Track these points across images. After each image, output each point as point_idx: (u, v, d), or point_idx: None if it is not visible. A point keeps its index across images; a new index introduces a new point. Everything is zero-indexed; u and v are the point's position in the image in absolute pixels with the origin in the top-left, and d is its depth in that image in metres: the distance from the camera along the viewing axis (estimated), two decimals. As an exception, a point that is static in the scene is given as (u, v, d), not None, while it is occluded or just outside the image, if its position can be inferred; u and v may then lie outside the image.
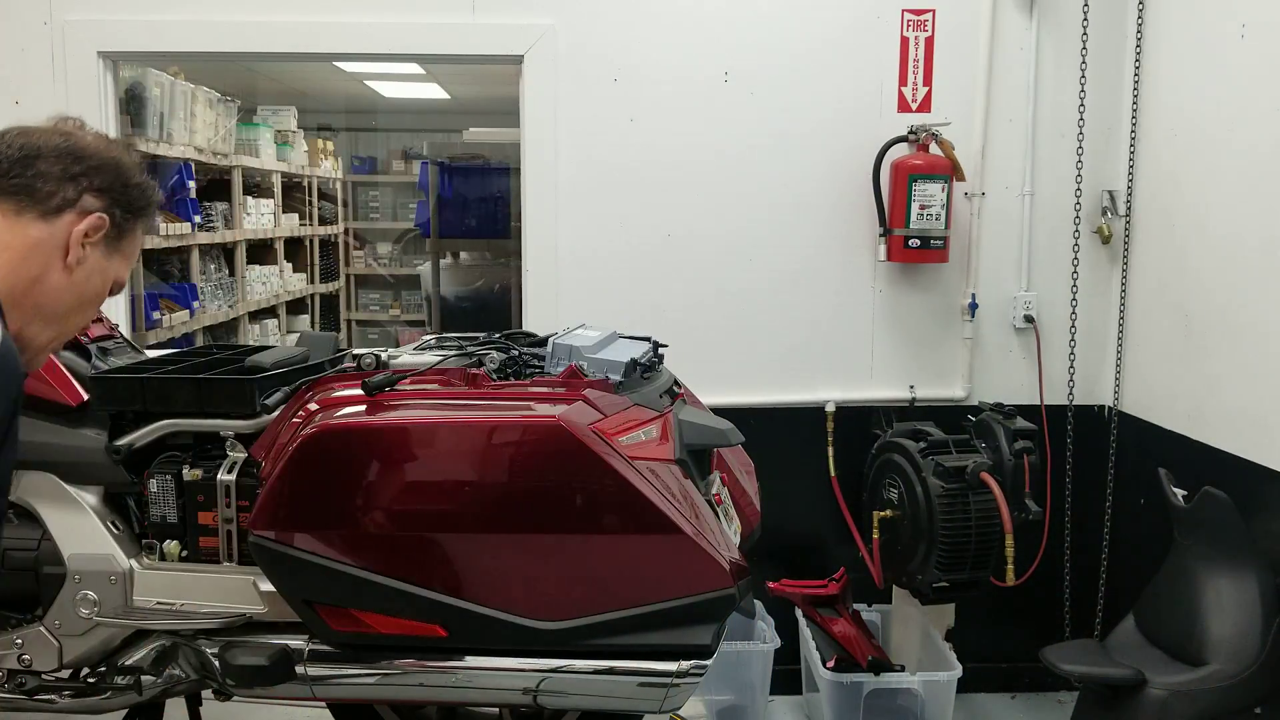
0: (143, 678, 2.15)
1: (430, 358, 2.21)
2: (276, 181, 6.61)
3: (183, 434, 2.21)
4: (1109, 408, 3.39)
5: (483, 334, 2.51)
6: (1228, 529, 2.50)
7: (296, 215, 7.08)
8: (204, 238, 5.31)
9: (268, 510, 1.94)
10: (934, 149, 3.19)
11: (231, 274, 5.92)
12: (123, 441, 2.19)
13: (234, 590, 2.10)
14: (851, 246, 3.33)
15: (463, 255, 5.81)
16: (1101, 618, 3.42)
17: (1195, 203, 2.94)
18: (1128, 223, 3.28)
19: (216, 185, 5.69)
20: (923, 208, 3.17)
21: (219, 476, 2.14)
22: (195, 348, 2.96)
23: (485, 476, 1.91)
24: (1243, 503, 2.51)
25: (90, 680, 2.18)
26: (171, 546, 2.17)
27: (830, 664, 3.01)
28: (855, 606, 3.22)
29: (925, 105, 3.28)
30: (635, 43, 3.23)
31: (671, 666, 1.93)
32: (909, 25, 3.25)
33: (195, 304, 5.22)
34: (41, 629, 2.15)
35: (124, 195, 1.35)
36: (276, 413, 2.16)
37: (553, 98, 3.23)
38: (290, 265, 7.00)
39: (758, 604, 3.15)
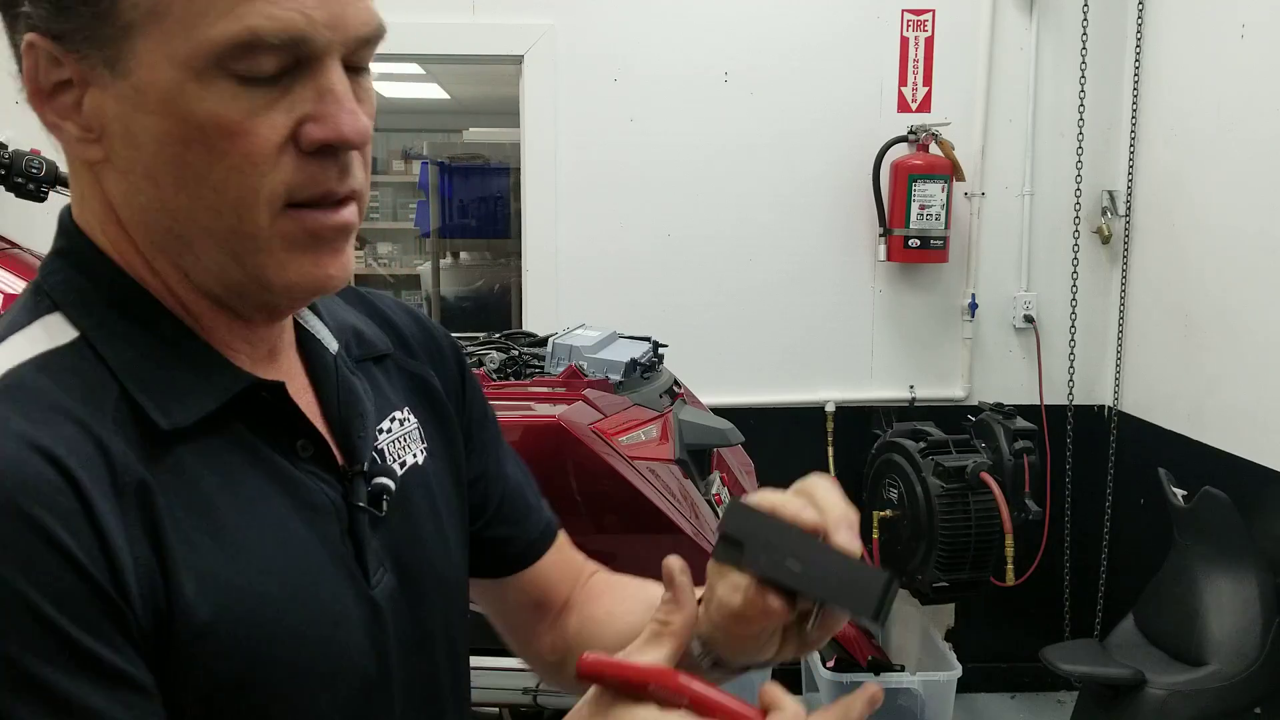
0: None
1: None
2: (276, 181, 6.61)
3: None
4: (1109, 408, 3.39)
5: (483, 334, 2.51)
6: (1228, 529, 2.50)
7: (296, 215, 7.08)
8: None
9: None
10: (934, 149, 3.19)
11: (232, 274, 5.92)
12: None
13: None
14: (851, 246, 3.33)
15: (462, 255, 5.81)
16: (1101, 618, 3.42)
17: (1195, 202, 2.94)
18: (1127, 223, 3.28)
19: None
20: (922, 208, 3.17)
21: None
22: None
23: (485, 476, 1.91)
24: (1243, 503, 2.51)
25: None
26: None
27: (830, 664, 3.01)
28: (855, 606, 3.22)
29: (925, 105, 3.28)
30: (635, 43, 3.23)
31: (671, 666, 1.93)
32: (909, 25, 3.25)
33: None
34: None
35: None
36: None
37: (553, 98, 3.23)
38: (290, 265, 6.99)
39: (758, 604, 3.14)
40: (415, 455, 0.80)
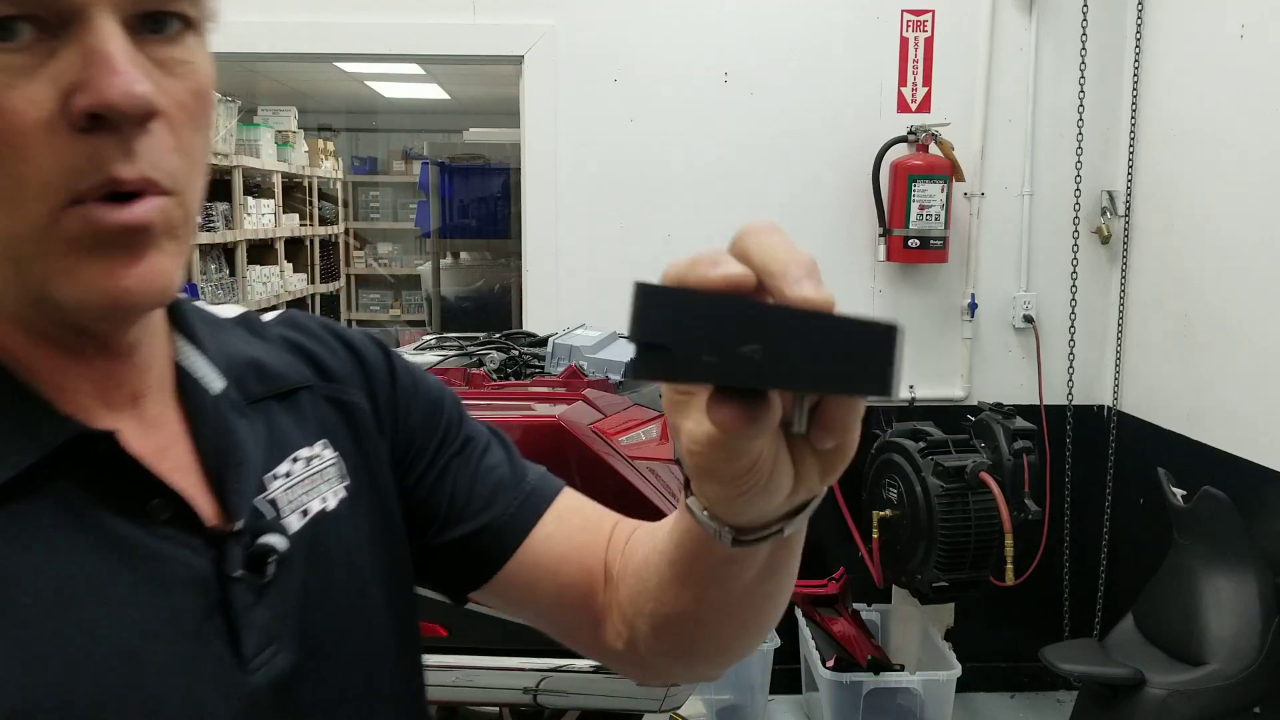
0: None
1: (430, 358, 2.21)
2: (277, 182, 6.62)
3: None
4: (1108, 407, 3.39)
5: (483, 334, 2.51)
6: (1227, 529, 2.51)
7: (297, 215, 7.09)
8: (205, 238, 5.31)
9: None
10: (933, 149, 3.20)
11: (232, 274, 5.93)
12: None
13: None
14: (851, 246, 3.33)
15: (463, 255, 5.81)
16: (1101, 617, 3.42)
17: (1194, 203, 2.94)
18: (1127, 223, 3.29)
19: (217, 185, 5.69)
20: (922, 208, 3.18)
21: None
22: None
23: (485, 476, 1.91)
24: (1242, 502, 2.51)
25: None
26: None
27: (830, 663, 3.02)
28: (855, 606, 3.22)
29: (925, 105, 3.28)
30: (635, 43, 3.23)
31: (671, 666, 1.93)
32: (908, 26, 3.26)
33: (196, 304, 5.21)
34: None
35: None
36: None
37: (553, 98, 3.24)
38: (291, 265, 7.01)
39: (757, 604, 3.15)
40: (326, 499, 0.69)
